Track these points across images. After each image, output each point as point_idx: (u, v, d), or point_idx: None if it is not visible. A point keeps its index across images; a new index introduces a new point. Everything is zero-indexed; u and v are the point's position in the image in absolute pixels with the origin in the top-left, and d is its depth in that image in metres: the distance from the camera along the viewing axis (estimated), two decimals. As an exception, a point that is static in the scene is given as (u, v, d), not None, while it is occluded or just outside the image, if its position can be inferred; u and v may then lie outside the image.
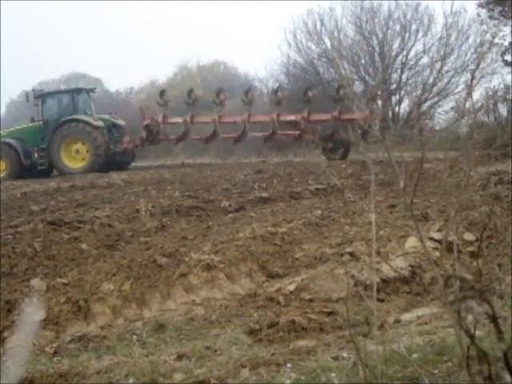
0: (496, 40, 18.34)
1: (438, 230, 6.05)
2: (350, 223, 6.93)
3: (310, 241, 6.52)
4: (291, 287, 4.99)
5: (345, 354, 3.35)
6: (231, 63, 42.72)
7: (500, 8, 20.05)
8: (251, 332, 4.09)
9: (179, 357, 3.66)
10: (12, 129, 21.40)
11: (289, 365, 3.30)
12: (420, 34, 26.55)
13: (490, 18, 20.66)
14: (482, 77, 19.98)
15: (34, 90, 20.70)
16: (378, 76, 25.64)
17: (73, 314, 4.74)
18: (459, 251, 5.38)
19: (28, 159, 19.97)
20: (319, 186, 10.66)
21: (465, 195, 6.99)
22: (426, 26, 26.45)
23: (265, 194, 10.14)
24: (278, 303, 4.71)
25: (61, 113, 20.17)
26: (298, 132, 18.73)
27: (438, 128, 24.36)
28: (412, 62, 26.81)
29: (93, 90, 22.21)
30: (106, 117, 20.46)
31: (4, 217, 8.45)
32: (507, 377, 1.51)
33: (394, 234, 6.05)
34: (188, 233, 7.25)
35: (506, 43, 19.76)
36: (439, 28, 26.36)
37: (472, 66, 23.91)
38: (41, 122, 20.22)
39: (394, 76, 26.78)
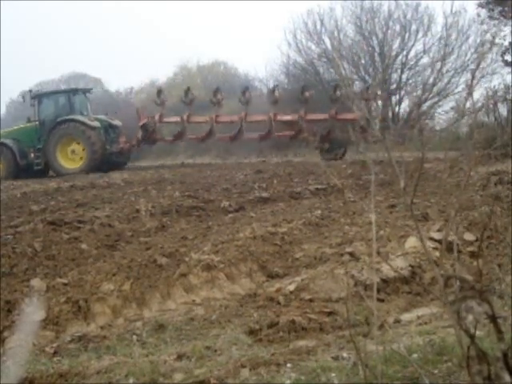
0: (496, 40, 18.35)
1: (438, 230, 6.05)
2: (350, 223, 6.93)
3: (309, 241, 6.52)
4: (291, 287, 4.99)
5: (345, 354, 3.35)
6: (231, 63, 42.68)
7: (500, 8, 20.05)
8: (251, 332, 4.09)
9: (179, 357, 3.66)
10: (9, 129, 21.40)
11: (289, 365, 3.30)
12: (420, 34, 26.57)
13: (490, 18, 20.66)
14: (482, 77, 19.98)
15: (30, 91, 20.71)
16: (377, 76, 25.64)
17: (73, 313, 4.74)
18: (459, 251, 5.38)
19: (24, 159, 19.98)
20: (319, 186, 10.66)
21: (465, 195, 7.00)
22: (426, 25, 26.47)
23: (265, 194, 10.14)
24: (278, 303, 4.71)
25: (57, 113, 20.17)
26: (292, 132, 18.79)
27: (438, 128, 24.36)
28: (412, 62, 26.83)
29: (89, 91, 22.22)
30: (103, 117, 20.46)
31: (4, 217, 8.45)
32: (507, 377, 1.51)
33: (393, 234, 6.05)
34: (188, 233, 7.25)
35: (506, 43, 19.77)
36: (439, 28, 26.37)
37: (472, 66, 23.91)
38: (37, 123, 20.23)
39: (394, 76, 26.79)
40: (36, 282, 5.34)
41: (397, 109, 26.76)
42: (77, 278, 5.40)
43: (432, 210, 7.14)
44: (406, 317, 4.35)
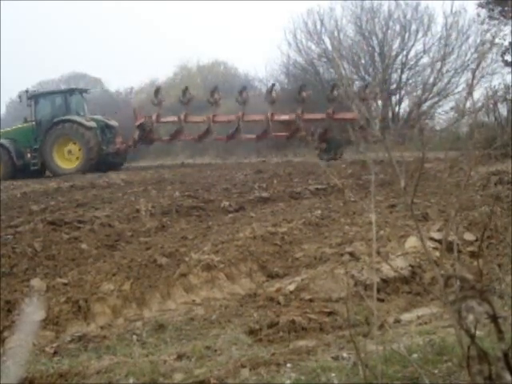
0: (496, 40, 18.36)
1: (438, 230, 6.05)
2: (350, 223, 6.93)
3: (309, 241, 6.51)
4: (291, 287, 4.98)
5: (345, 354, 3.35)
6: (231, 63, 42.76)
7: (500, 8, 20.05)
8: (251, 332, 4.09)
9: (179, 357, 3.66)
10: (6, 129, 21.38)
11: (289, 365, 3.30)
12: (420, 34, 26.62)
13: (490, 18, 20.67)
14: (482, 77, 19.97)
15: (27, 91, 20.69)
16: (377, 76, 25.65)
17: (73, 314, 4.74)
18: (459, 251, 5.38)
19: (21, 159, 19.99)
20: (319, 186, 10.66)
21: (465, 195, 6.99)
22: (426, 25, 26.52)
23: (265, 194, 10.14)
24: (278, 303, 4.71)
25: (54, 113, 20.18)
26: (287, 133, 18.83)
27: (438, 128, 24.37)
28: (412, 62, 26.87)
29: (86, 91, 22.26)
30: (99, 117, 20.47)
31: (4, 217, 8.45)
32: (508, 377, 1.51)
33: (394, 233, 6.05)
34: (188, 233, 7.24)
35: (506, 43, 19.77)
36: (439, 28, 26.47)
37: (472, 66, 23.92)
38: (34, 123, 20.23)
39: (394, 76, 26.83)
40: (36, 282, 5.34)
41: (397, 109, 26.80)
42: (77, 277, 5.40)
43: (432, 210, 7.14)
44: (406, 317, 4.35)
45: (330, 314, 4.35)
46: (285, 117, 18.94)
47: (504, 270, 4.48)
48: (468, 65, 24.84)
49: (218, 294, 5.28)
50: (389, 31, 26.75)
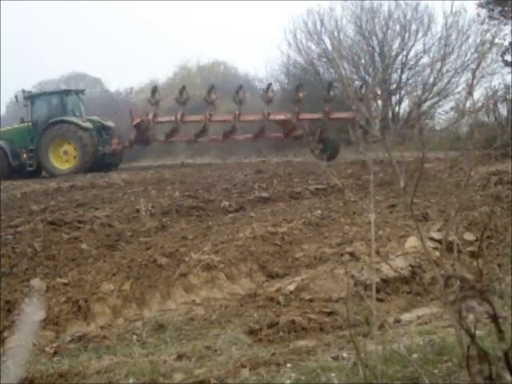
0: (496, 40, 18.36)
1: (438, 230, 6.05)
2: (350, 223, 6.93)
3: (309, 241, 6.51)
4: (291, 287, 4.98)
5: (345, 354, 3.35)
6: (231, 63, 42.77)
7: (500, 8, 20.05)
8: (251, 332, 4.09)
9: (179, 357, 3.66)
10: (2, 129, 21.36)
11: (289, 365, 3.30)
12: (420, 34, 26.62)
13: (490, 18, 20.67)
14: (482, 77, 19.98)
15: (23, 91, 20.67)
16: (377, 76, 25.65)
17: (73, 313, 4.74)
18: (459, 251, 5.38)
19: (17, 160, 19.98)
20: (319, 186, 10.65)
21: (465, 195, 7.00)
22: (426, 25, 26.53)
23: (265, 194, 10.14)
24: (278, 303, 4.71)
25: (50, 114, 20.15)
26: (282, 133, 18.87)
27: (438, 128, 24.38)
28: (412, 62, 26.88)
29: (82, 92, 22.27)
30: (95, 118, 20.46)
31: (4, 217, 8.45)
32: (508, 376, 1.51)
33: (394, 233, 6.05)
34: (188, 233, 7.24)
35: (506, 43, 19.78)
36: (439, 28, 26.46)
37: (472, 66, 23.93)
38: (30, 123, 20.21)
39: (394, 76, 26.83)
40: (36, 282, 5.34)
41: (397, 109, 26.81)
42: (77, 277, 5.40)
43: (432, 210, 7.14)
44: (406, 317, 4.35)
45: (330, 313, 4.35)
46: (281, 116, 18.98)
47: (504, 269, 4.48)
48: (468, 65, 24.85)
49: (217, 293, 5.28)
50: (389, 31, 26.77)
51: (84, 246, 6.70)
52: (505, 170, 10.00)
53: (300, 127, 18.21)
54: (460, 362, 2.81)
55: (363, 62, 27.32)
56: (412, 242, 5.68)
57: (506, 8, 19.56)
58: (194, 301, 5.12)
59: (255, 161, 21.10)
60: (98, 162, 19.58)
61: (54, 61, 69.74)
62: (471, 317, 1.53)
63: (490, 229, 5.83)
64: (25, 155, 20.03)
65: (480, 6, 21.07)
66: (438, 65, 25.11)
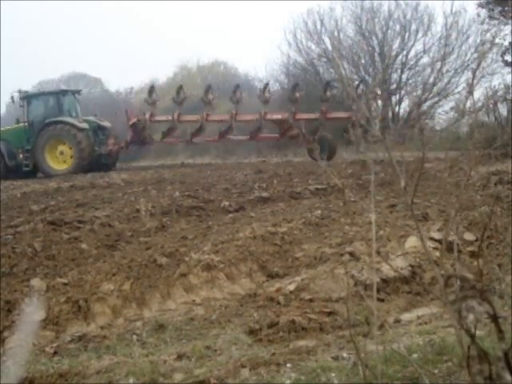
0: (496, 40, 18.36)
1: (438, 230, 6.05)
2: (350, 223, 6.93)
3: (309, 241, 6.51)
4: (291, 287, 4.98)
5: (345, 354, 3.35)
6: (231, 63, 42.76)
7: (500, 8, 20.06)
8: (251, 332, 4.09)
9: (179, 357, 3.66)
10: None
11: (289, 365, 3.30)
12: (420, 34, 26.63)
13: (490, 18, 20.68)
14: (483, 77, 20.00)
15: (19, 91, 20.66)
16: (377, 76, 25.65)
17: (73, 314, 4.74)
18: (459, 251, 5.38)
19: (13, 160, 19.98)
20: (319, 186, 10.65)
21: (465, 195, 7.00)
22: (426, 25, 26.53)
23: (265, 194, 10.14)
24: (278, 303, 4.71)
25: (46, 114, 20.14)
26: (278, 133, 18.90)
27: (438, 128, 24.38)
28: (412, 62, 26.87)
29: (78, 92, 22.30)
30: (92, 118, 20.45)
31: (4, 217, 8.45)
32: (508, 376, 1.51)
33: (394, 233, 6.05)
34: (188, 233, 7.24)
35: (506, 43, 19.78)
36: (439, 28, 26.46)
37: (472, 66, 23.93)
38: (26, 124, 20.19)
39: (394, 76, 26.82)
40: (36, 282, 5.34)
41: (397, 109, 26.81)
42: (77, 277, 5.40)
43: (432, 210, 7.14)
44: (406, 317, 4.35)
45: (330, 314, 4.35)
46: (277, 116, 18.99)
47: (504, 270, 4.48)
48: (468, 65, 24.85)
49: (218, 294, 5.28)
50: (389, 31, 26.77)
51: (84, 245, 6.70)
52: (505, 169, 10.00)
53: (296, 127, 18.23)
54: (460, 361, 2.81)
55: (363, 62, 27.33)
56: (412, 241, 5.68)
57: (506, 8, 19.57)
58: (194, 301, 5.12)
59: (255, 161, 21.10)
60: (95, 163, 19.57)
61: (54, 61, 69.78)
62: (471, 317, 1.53)
63: (490, 229, 5.83)
64: (21, 155, 20.03)
65: (480, 5, 21.09)
66: (438, 65, 25.13)
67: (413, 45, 26.62)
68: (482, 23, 21.46)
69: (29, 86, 34.68)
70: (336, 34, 27.03)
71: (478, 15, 21.80)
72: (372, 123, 1.93)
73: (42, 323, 4.59)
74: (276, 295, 4.87)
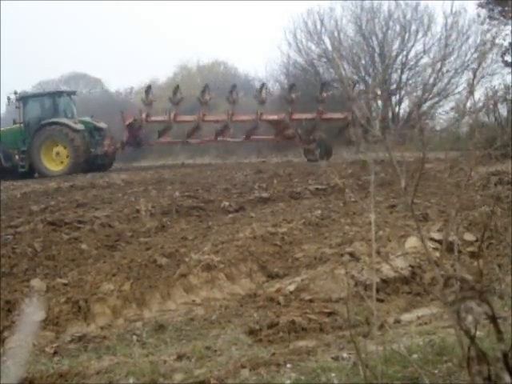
0: (496, 40, 18.36)
1: (438, 230, 6.05)
2: (350, 223, 6.93)
3: (309, 241, 6.51)
4: (291, 287, 4.98)
5: (345, 355, 3.35)
6: (231, 63, 42.68)
7: (500, 8, 20.06)
8: (251, 332, 4.09)
9: (179, 357, 3.66)
10: None
11: (289, 365, 3.30)
12: (420, 34, 26.61)
13: (490, 18, 20.68)
14: (483, 77, 20.00)
15: (15, 93, 20.66)
16: (378, 76, 25.65)
17: (73, 314, 4.74)
18: (459, 251, 5.38)
19: (9, 161, 19.97)
20: (319, 186, 10.65)
21: (465, 195, 6.99)
22: (426, 26, 26.51)
23: (265, 194, 10.14)
24: (278, 303, 4.71)
25: (42, 115, 20.13)
26: (275, 134, 18.92)
27: (438, 128, 24.38)
28: (412, 63, 26.85)
29: (74, 93, 22.33)
30: (88, 119, 20.45)
31: (4, 217, 8.45)
32: (507, 377, 1.51)
33: (394, 234, 6.05)
34: (188, 233, 7.24)
35: (506, 43, 19.78)
36: (439, 28, 26.44)
37: (472, 66, 23.92)
38: (22, 125, 20.19)
39: (394, 76, 26.80)
40: (36, 282, 5.34)
41: (397, 109, 26.79)
42: (77, 278, 5.40)
43: (432, 210, 7.14)
44: (406, 317, 4.35)
45: (330, 314, 4.35)
46: (274, 116, 19.00)
47: (504, 270, 4.48)
48: (468, 65, 24.84)
49: (217, 294, 5.28)
50: (389, 31, 26.75)
51: (84, 246, 6.70)
52: (505, 170, 10.00)
53: (292, 127, 18.25)
54: (460, 362, 2.81)
55: (363, 62, 27.31)
56: (412, 242, 5.68)
57: (506, 8, 19.56)
58: (194, 301, 5.12)
59: (255, 161, 21.10)
60: (90, 164, 19.55)
61: (54, 61, 69.70)
62: (470, 317, 1.53)
63: (490, 229, 5.83)
64: (17, 156, 20.01)
65: (480, 6, 21.08)
66: (438, 65, 25.12)
67: (413, 45, 26.63)
68: (482, 23, 21.47)
69: (29, 86, 34.77)
70: (336, 34, 27.03)
71: (478, 15, 21.81)
72: (372, 123, 1.93)
73: (42, 323, 4.59)
74: (276, 295, 4.87)
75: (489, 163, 10.74)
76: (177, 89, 19.87)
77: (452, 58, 25.40)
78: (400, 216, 7.02)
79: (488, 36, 21.45)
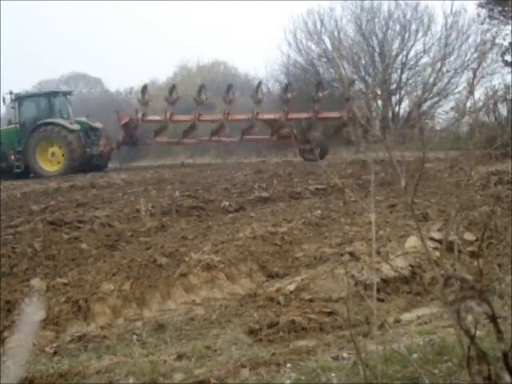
0: (496, 40, 18.36)
1: (438, 230, 6.05)
2: (350, 223, 6.93)
3: (309, 241, 6.51)
4: (291, 287, 4.98)
5: (345, 354, 3.35)
6: (231, 63, 42.67)
7: (500, 8, 20.06)
8: (251, 332, 4.09)
9: (179, 357, 3.66)
10: None
11: (289, 365, 3.30)
12: (420, 34, 26.60)
13: (490, 17, 20.68)
14: (483, 77, 19.99)
15: (11, 93, 20.65)
16: (377, 76, 25.64)
17: (73, 314, 4.74)
18: (459, 251, 5.38)
19: (4, 162, 19.96)
20: (319, 186, 10.65)
21: (465, 195, 6.99)
22: (426, 25, 26.50)
23: (265, 194, 10.14)
24: (278, 303, 4.71)
25: (37, 115, 20.10)
26: (270, 134, 18.93)
27: (438, 128, 24.36)
28: (412, 62, 26.85)
29: (70, 93, 22.31)
30: (83, 119, 20.43)
31: (4, 217, 8.45)
32: (507, 377, 1.51)
33: (394, 233, 6.05)
34: (188, 233, 7.24)
35: (506, 43, 19.78)
36: (439, 28, 26.42)
37: (472, 66, 23.92)
38: (17, 125, 20.18)
39: (394, 76, 26.79)
40: (36, 282, 5.34)
41: (397, 109, 26.79)
42: (77, 277, 5.40)
43: (432, 210, 7.14)
44: (405, 317, 4.35)
45: (330, 314, 4.35)
46: (270, 116, 18.99)
47: (504, 270, 4.48)
48: (468, 65, 24.83)
49: (217, 294, 5.28)
50: (389, 31, 26.75)
51: (84, 245, 6.70)
52: (505, 169, 10.00)
53: (287, 127, 18.26)
54: (460, 362, 2.81)
55: (363, 62, 27.31)
56: (412, 241, 5.68)
57: (506, 8, 19.56)
58: (194, 301, 5.12)
59: (255, 161, 21.09)
60: (86, 164, 19.53)
61: (54, 61, 69.66)
62: (470, 317, 1.53)
63: (490, 229, 5.83)
64: (12, 157, 20.00)
65: (480, 5, 21.09)
66: (438, 65, 25.12)
67: (413, 45, 26.62)
68: (482, 23, 21.47)
69: (29, 86, 34.73)
70: (336, 34, 27.02)
71: (478, 15, 21.81)
72: (372, 123, 1.93)
73: (42, 323, 4.59)
74: (276, 295, 4.87)
75: (489, 163, 10.74)
76: (173, 88, 19.88)
77: (452, 58, 25.42)
78: (400, 216, 7.03)
79: (488, 36, 21.48)
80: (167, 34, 72.17)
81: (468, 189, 7.92)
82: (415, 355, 3.16)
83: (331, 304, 4.57)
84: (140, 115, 19.79)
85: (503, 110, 16.79)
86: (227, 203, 9.26)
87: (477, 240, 5.86)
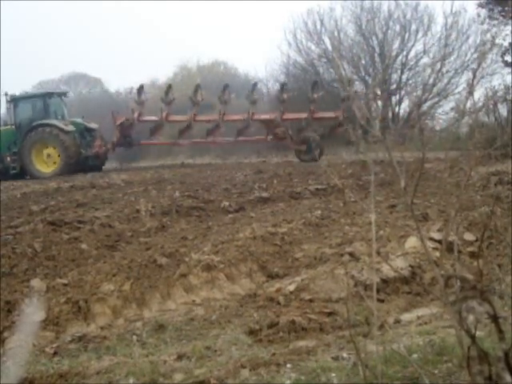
0: (496, 40, 18.36)
1: (438, 230, 6.05)
2: (350, 223, 6.93)
3: (310, 241, 6.51)
4: (291, 287, 4.98)
5: (345, 354, 3.35)
6: (231, 63, 42.68)
7: (500, 8, 20.06)
8: (251, 332, 4.09)
9: (179, 357, 3.66)
10: None
11: (289, 365, 3.30)
12: (420, 34, 26.59)
13: (490, 18, 20.68)
14: (482, 77, 19.98)
15: (6, 94, 20.64)
16: (378, 76, 25.64)
17: (73, 314, 4.74)
18: (459, 251, 5.38)
19: (0, 163, 19.95)
20: (319, 186, 10.65)
21: (465, 195, 6.99)
22: (426, 25, 26.49)
23: (265, 194, 10.14)
24: (278, 303, 4.71)
25: (33, 117, 20.09)
26: (263, 137, 18.94)
27: (438, 128, 24.36)
28: (412, 63, 26.84)
29: (65, 94, 22.33)
30: (79, 120, 20.44)
31: (4, 217, 8.45)
32: (508, 377, 1.51)
33: (394, 234, 6.05)
34: (188, 233, 7.24)
35: (506, 44, 19.79)
36: (439, 28, 26.40)
37: (472, 66, 23.92)
38: (13, 126, 20.17)
39: (394, 76, 26.78)
40: (36, 283, 5.34)
41: (397, 109, 26.79)
42: (77, 278, 5.40)
43: (432, 210, 7.14)
44: (406, 317, 4.35)
45: (330, 314, 4.35)
46: (265, 116, 18.99)
47: (504, 270, 4.48)
48: (468, 65, 24.82)
49: (218, 294, 5.28)
50: (389, 31, 26.74)
51: (84, 246, 6.70)
52: (505, 170, 10.00)
53: (283, 127, 18.27)
54: (460, 362, 2.81)
55: (363, 62, 27.30)
56: (412, 242, 5.68)
57: (506, 8, 19.56)
58: (193, 301, 5.12)
59: (255, 161, 21.09)
60: (82, 165, 19.52)
61: (54, 61, 69.63)
62: (471, 317, 1.53)
63: (490, 229, 5.83)
64: (8, 158, 20.00)
65: (480, 5, 21.09)
66: (438, 65, 25.11)
67: (413, 45, 26.61)
68: (482, 23, 21.47)
69: (29, 86, 34.75)
70: (336, 34, 27.01)
71: (478, 15, 21.81)
72: (372, 123, 1.93)
73: (42, 324, 4.59)
74: (276, 295, 4.87)
75: (489, 163, 10.74)
76: (169, 89, 19.88)
77: (452, 58, 25.40)
78: (400, 216, 7.03)
79: (488, 36, 21.48)
80: (167, 34, 72.17)
81: (468, 189, 7.92)
82: (415, 355, 3.16)
83: (331, 304, 4.57)
84: (136, 115, 19.79)
85: (503, 110, 16.80)
86: (227, 203, 9.26)
87: (477, 240, 5.86)
